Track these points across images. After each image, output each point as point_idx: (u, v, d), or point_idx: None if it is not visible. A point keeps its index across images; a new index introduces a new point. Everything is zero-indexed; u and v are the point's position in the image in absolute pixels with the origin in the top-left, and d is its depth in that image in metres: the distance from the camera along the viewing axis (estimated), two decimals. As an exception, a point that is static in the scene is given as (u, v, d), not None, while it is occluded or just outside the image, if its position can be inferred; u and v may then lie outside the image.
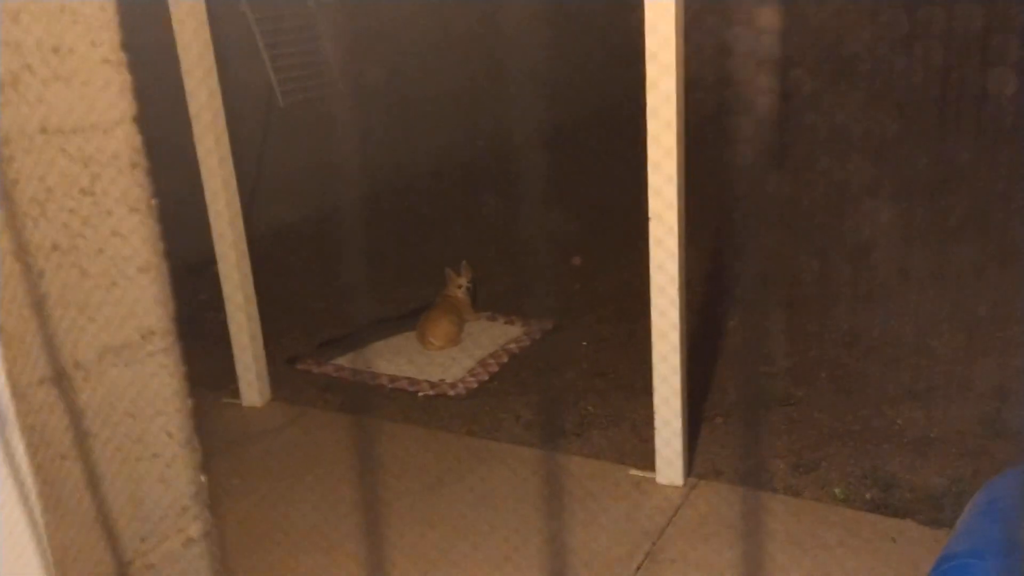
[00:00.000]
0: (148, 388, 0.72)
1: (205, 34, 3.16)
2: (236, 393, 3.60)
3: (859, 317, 3.98)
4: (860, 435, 3.08)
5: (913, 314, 3.89)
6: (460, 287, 4.20)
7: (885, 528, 2.61)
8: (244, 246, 3.42)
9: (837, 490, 2.80)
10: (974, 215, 4.79)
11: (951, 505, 2.65)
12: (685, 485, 2.88)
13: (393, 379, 3.74)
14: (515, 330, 4.14)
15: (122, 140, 0.69)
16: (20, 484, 0.63)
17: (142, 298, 0.71)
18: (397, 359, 3.92)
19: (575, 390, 3.57)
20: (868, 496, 2.76)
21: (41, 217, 0.64)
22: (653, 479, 2.92)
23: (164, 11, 3.12)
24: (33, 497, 0.64)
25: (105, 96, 0.67)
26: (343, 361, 3.92)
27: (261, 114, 5.74)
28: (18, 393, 0.64)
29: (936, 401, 3.24)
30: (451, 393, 3.60)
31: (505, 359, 3.86)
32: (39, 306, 0.65)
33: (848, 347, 3.73)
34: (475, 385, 3.65)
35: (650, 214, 2.65)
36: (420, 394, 3.62)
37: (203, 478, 0.78)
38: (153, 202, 0.71)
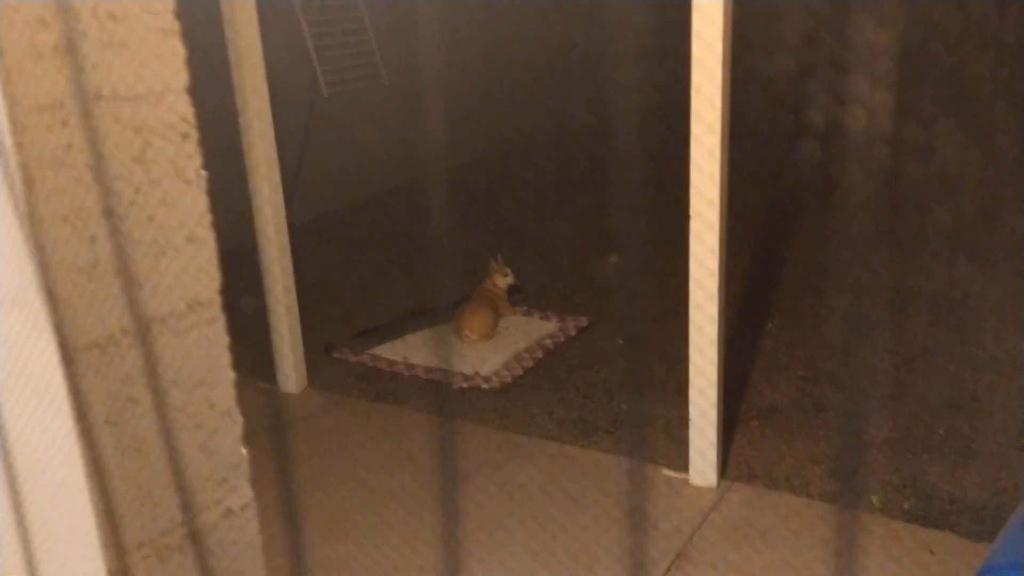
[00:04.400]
0: (192, 358, 0.72)
1: (254, 26, 3.18)
2: (273, 379, 3.63)
3: (902, 324, 3.91)
4: (900, 443, 3.03)
5: (958, 323, 3.82)
6: (506, 275, 4.21)
7: (923, 539, 2.56)
8: (285, 234, 3.45)
9: (874, 498, 2.75)
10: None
11: (992, 517, 2.59)
12: (718, 487, 2.85)
13: (428, 370, 3.75)
14: (550, 326, 4.13)
15: (174, 110, 0.69)
16: (68, 449, 0.64)
17: (189, 268, 0.71)
18: (432, 351, 3.93)
19: (609, 388, 3.55)
20: (906, 506, 2.71)
21: (93, 183, 0.65)
22: (686, 480, 2.89)
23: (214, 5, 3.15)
24: (79, 462, 0.65)
25: (159, 65, 0.67)
26: (379, 351, 3.94)
27: (305, 104, 5.79)
28: (67, 357, 0.64)
29: (979, 412, 3.17)
30: (485, 386, 3.60)
31: (540, 354, 3.85)
32: (89, 271, 0.65)
33: (890, 353, 3.66)
34: (509, 379, 3.65)
35: (691, 213, 2.62)
36: (454, 386, 3.62)
37: (244, 451, 0.78)
38: (203, 173, 0.72)
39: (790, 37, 6.83)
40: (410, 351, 3.93)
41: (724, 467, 2.93)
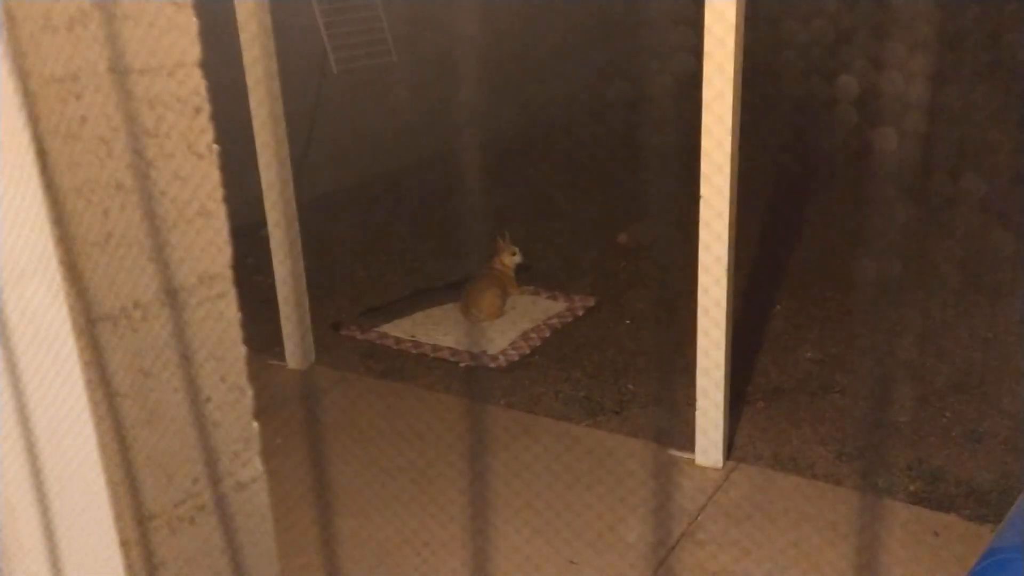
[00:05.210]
0: (204, 332, 0.73)
1: (264, 2, 3.17)
2: (281, 355, 3.64)
3: (909, 306, 3.90)
4: (906, 426, 3.03)
5: (966, 306, 3.80)
6: (514, 254, 4.21)
7: (928, 521, 2.57)
8: (294, 211, 3.45)
9: (880, 480, 2.76)
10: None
11: (997, 501, 2.59)
12: (724, 468, 2.86)
13: (435, 348, 3.76)
14: (558, 305, 4.13)
15: (187, 83, 0.69)
16: (81, 420, 0.65)
17: (201, 242, 0.71)
18: (440, 329, 3.94)
19: (616, 367, 3.55)
20: (912, 488, 2.71)
21: (107, 156, 0.65)
22: (692, 460, 2.90)
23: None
24: (92, 433, 0.66)
25: (172, 38, 0.67)
26: (387, 329, 3.95)
27: (314, 80, 5.78)
28: (79, 329, 0.65)
29: (986, 395, 3.17)
30: (492, 365, 3.61)
31: (547, 334, 3.86)
32: (102, 244, 0.65)
33: (897, 336, 3.65)
34: (516, 358, 3.66)
35: (701, 196, 2.61)
36: (461, 364, 3.63)
37: (255, 425, 0.79)
38: (215, 148, 0.72)
39: (802, 9, 6.76)
40: (418, 329, 3.94)
41: (730, 448, 2.94)
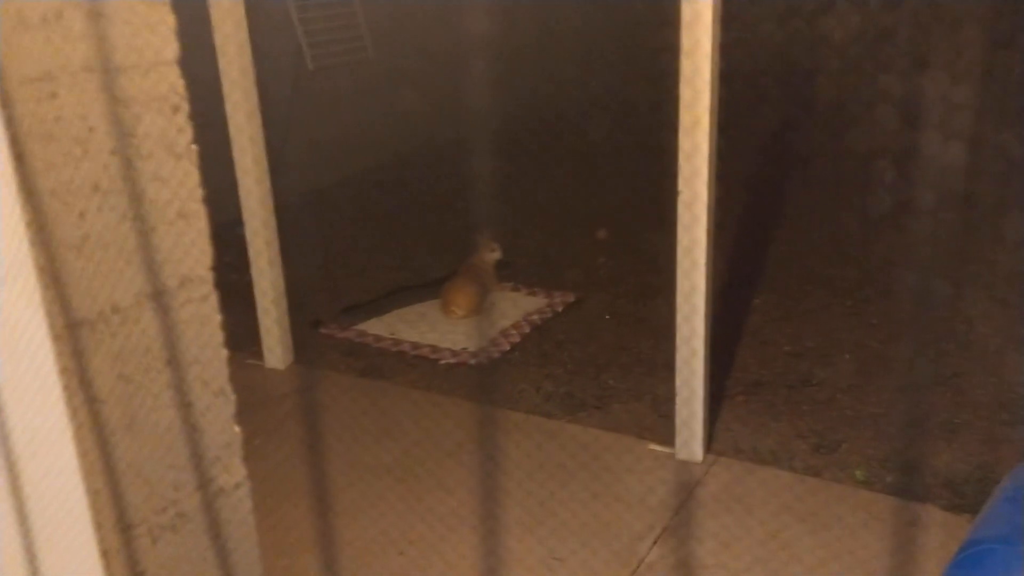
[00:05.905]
0: (185, 336, 0.71)
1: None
2: (259, 355, 3.61)
3: (886, 300, 3.93)
4: (883, 418, 3.06)
5: (942, 298, 3.84)
6: (493, 250, 4.19)
7: (905, 512, 2.59)
8: (270, 207, 3.42)
9: (858, 472, 2.78)
10: (1011, 201, 4.71)
11: (973, 491, 2.62)
12: (704, 462, 2.87)
13: (415, 346, 3.75)
14: (538, 301, 4.13)
15: (164, 82, 0.67)
16: (59, 428, 0.63)
17: (181, 244, 0.70)
18: (420, 326, 3.92)
19: (596, 363, 3.56)
20: (889, 479, 2.74)
21: (83, 157, 0.63)
22: (672, 454, 2.91)
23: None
24: (70, 441, 0.64)
25: (149, 36, 0.66)
26: (366, 326, 3.93)
27: (290, 77, 5.73)
28: (56, 335, 0.63)
29: (962, 387, 3.20)
30: (472, 362, 3.60)
31: (527, 330, 3.85)
32: (79, 248, 0.64)
33: (874, 329, 3.69)
34: (497, 355, 3.65)
35: (679, 189, 2.62)
36: (442, 362, 3.62)
37: (237, 429, 0.77)
38: (194, 147, 0.70)
39: (784, 8, 6.80)
40: (397, 327, 3.93)
41: (710, 441, 2.95)
